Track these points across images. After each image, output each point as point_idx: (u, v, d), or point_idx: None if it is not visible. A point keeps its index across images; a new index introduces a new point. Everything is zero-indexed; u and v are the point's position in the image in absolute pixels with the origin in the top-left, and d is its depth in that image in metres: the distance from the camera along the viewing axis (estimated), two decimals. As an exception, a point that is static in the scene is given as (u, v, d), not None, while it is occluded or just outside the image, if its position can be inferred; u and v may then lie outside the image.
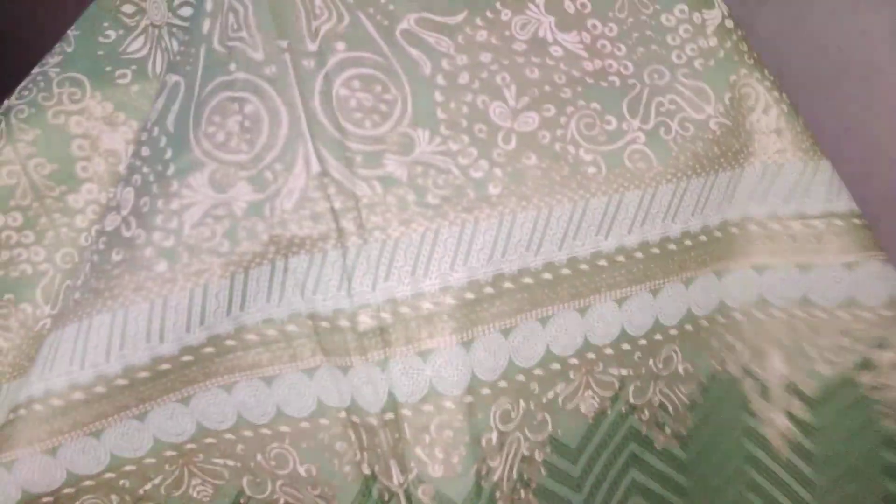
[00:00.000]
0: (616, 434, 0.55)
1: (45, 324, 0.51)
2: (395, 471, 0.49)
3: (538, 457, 0.52)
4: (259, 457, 0.51)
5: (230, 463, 0.51)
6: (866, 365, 0.55)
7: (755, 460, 0.60)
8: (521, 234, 0.49)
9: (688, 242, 0.54)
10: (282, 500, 0.52)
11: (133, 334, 0.46)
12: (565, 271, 0.51)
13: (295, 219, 0.47)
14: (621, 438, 0.55)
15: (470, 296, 0.48)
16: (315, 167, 0.46)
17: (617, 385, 0.54)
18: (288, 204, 0.46)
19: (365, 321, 0.47)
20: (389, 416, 0.48)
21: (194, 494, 0.52)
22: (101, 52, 0.52)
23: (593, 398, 0.53)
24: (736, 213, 0.55)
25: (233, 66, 0.47)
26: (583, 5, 0.53)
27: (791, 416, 0.57)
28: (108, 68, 0.52)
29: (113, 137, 0.52)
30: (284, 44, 0.47)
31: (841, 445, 0.57)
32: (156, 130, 0.48)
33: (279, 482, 0.51)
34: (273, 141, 0.46)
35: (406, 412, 0.48)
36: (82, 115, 0.51)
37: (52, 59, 0.53)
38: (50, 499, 0.48)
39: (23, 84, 0.53)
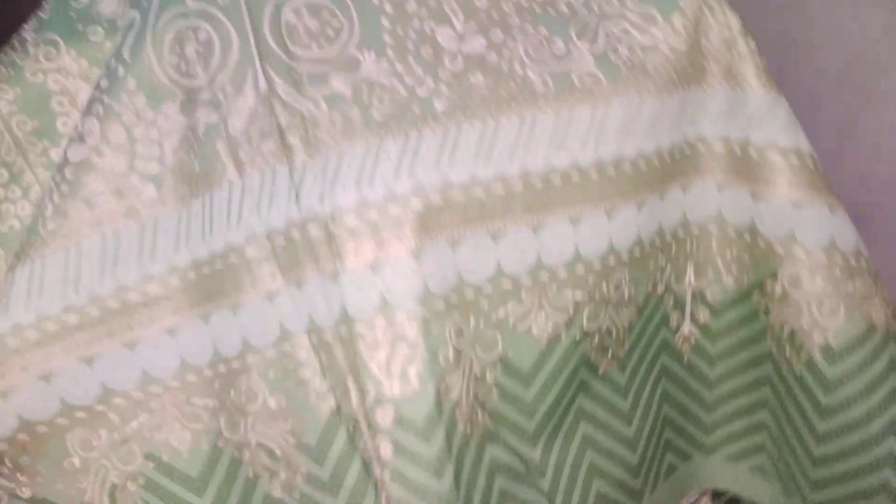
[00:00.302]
0: (570, 361, 0.54)
1: None
2: (353, 392, 0.49)
3: (489, 377, 0.52)
4: (232, 392, 0.51)
5: (209, 403, 0.52)
6: (760, 287, 0.57)
7: (668, 371, 0.61)
8: (467, 144, 0.50)
9: (642, 165, 0.54)
10: (254, 441, 0.52)
11: (126, 254, 0.49)
12: (518, 186, 0.51)
13: (245, 137, 0.49)
14: (574, 366, 0.55)
15: (417, 205, 0.49)
16: (263, 86, 0.48)
17: (571, 309, 0.53)
18: (239, 123, 0.49)
19: (315, 232, 0.48)
20: (343, 331, 0.48)
21: (175, 443, 0.52)
22: (73, 15, 0.54)
23: (546, 321, 0.53)
24: (679, 136, 0.56)
25: None
26: None
27: (696, 322, 0.60)
28: (80, 27, 0.54)
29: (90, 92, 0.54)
30: None
31: (734, 350, 0.60)
32: (112, 62, 0.50)
33: (250, 419, 0.52)
34: (224, 64, 0.49)
35: (359, 326, 0.48)
36: (59, 73, 0.53)
37: (28, 26, 0.55)
38: (45, 428, 0.50)
39: (0, 50, 0.55)
